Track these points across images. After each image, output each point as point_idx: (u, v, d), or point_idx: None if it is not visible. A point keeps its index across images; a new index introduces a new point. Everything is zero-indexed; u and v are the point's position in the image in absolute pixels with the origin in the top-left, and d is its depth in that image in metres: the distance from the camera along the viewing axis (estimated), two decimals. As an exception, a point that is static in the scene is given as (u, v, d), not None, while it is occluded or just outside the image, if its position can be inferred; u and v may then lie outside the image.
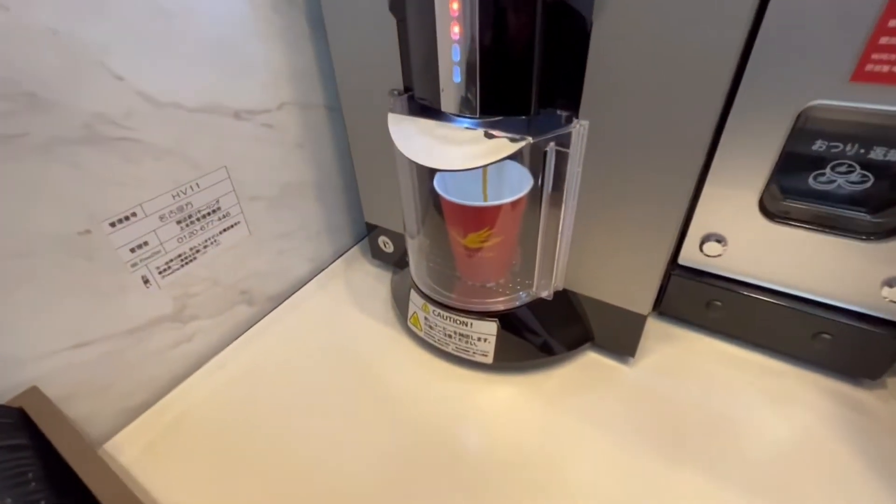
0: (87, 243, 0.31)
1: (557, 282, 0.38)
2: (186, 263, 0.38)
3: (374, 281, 0.52)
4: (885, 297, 0.33)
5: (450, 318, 0.39)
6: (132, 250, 0.34)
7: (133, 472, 0.35)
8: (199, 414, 0.39)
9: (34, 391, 0.30)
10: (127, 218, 0.33)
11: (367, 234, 0.55)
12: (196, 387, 0.41)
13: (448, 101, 0.31)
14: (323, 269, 0.53)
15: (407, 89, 0.37)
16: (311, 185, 0.48)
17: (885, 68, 0.27)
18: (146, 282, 0.36)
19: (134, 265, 0.35)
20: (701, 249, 0.39)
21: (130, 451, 0.36)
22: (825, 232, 0.34)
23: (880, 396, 0.36)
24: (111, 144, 0.31)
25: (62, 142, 0.28)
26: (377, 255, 0.52)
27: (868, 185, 0.32)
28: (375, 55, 0.37)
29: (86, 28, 0.28)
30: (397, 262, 0.51)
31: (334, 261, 0.55)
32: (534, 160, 0.36)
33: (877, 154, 0.31)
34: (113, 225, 0.32)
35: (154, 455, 0.36)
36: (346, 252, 0.56)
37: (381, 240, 0.50)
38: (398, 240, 0.48)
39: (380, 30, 0.35)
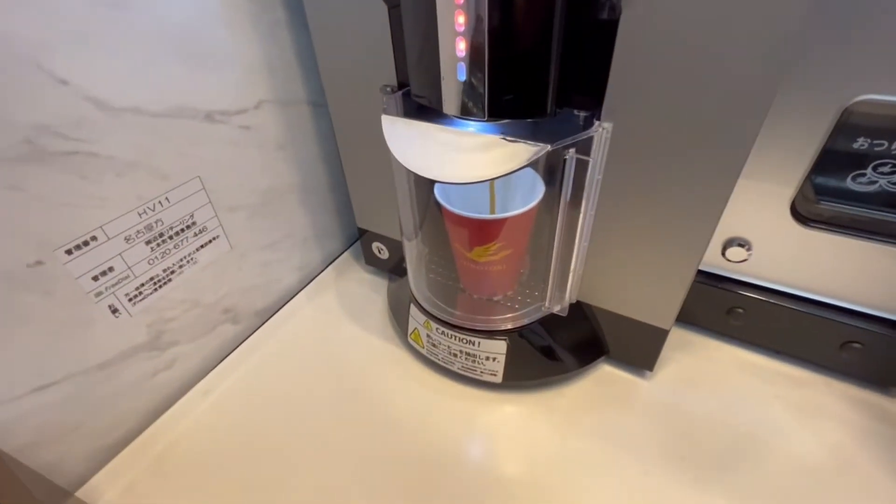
0: (40, 276, 0.27)
1: (571, 295, 0.35)
2: (160, 287, 0.34)
3: (369, 290, 0.48)
4: (925, 306, 0.31)
5: (455, 336, 0.36)
6: (95, 278, 0.30)
7: (113, 518, 0.32)
8: (183, 447, 0.35)
9: (-13, 449, 0.26)
10: (86, 243, 0.29)
11: (358, 238, 0.51)
12: (179, 418, 0.37)
13: (451, 102, 0.27)
14: (313, 279, 0.49)
15: (401, 85, 0.33)
16: (296, 188, 0.43)
17: (949, 59, 0.24)
18: (114, 311, 0.32)
19: (98, 294, 0.31)
20: (724, 255, 0.36)
21: (109, 494, 0.33)
22: (862, 237, 0.31)
23: (911, 406, 0.35)
24: (60, 160, 0.26)
25: (-3, 162, 0.24)
26: (371, 261, 0.49)
27: (913, 186, 0.29)
28: (364, 46, 0.32)
29: (15, 23, 0.23)
30: (393, 268, 0.47)
31: (325, 268, 0.51)
32: (546, 163, 0.32)
33: (926, 153, 0.28)
34: (69, 252, 0.28)
35: (135, 496, 0.33)
36: (337, 258, 0.52)
37: (375, 245, 0.46)
38: (393, 246, 0.45)
39: (369, 17, 0.30)
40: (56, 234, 0.27)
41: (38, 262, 0.27)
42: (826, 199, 0.31)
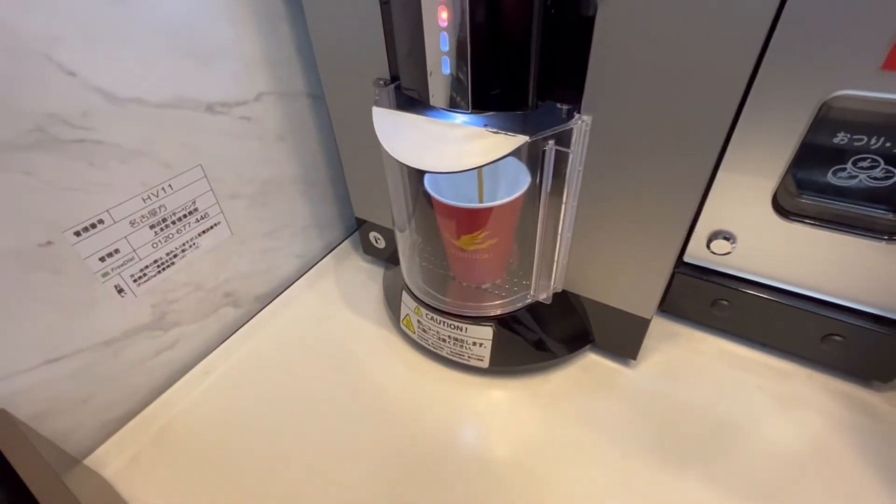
0: (50, 255, 0.29)
1: (556, 284, 0.36)
2: (164, 269, 0.36)
3: (366, 278, 0.50)
4: (904, 300, 0.32)
5: (444, 322, 0.37)
6: (102, 259, 0.32)
7: (117, 485, 0.34)
8: (184, 423, 0.37)
9: (1, 414, 0.28)
10: (93, 226, 0.31)
11: (357, 228, 0.53)
12: (181, 395, 0.39)
13: (437, 95, 0.28)
14: (312, 266, 0.51)
15: (394, 78, 0.34)
16: (296, 179, 0.45)
17: (923, 55, 0.24)
18: (120, 291, 0.34)
19: (105, 274, 0.32)
20: (708, 247, 0.36)
21: (114, 465, 0.35)
22: (842, 231, 0.31)
23: (890, 399, 0.35)
24: (68, 147, 0.28)
25: (9, 148, 0.26)
26: (369, 250, 0.50)
27: (892, 181, 0.29)
28: (359, 41, 0.33)
29: (25, 17, 0.25)
30: (389, 257, 0.49)
31: (324, 256, 0.52)
32: (532, 155, 0.33)
33: (904, 148, 0.28)
34: (78, 234, 0.30)
35: (139, 467, 0.35)
36: (336, 246, 0.54)
37: (373, 235, 0.48)
38: (390, 235, 0.46)
39: (362, 12, 0.32)
40: (65, 217, 0.29)
41: (49, 243, 0.29)
42: (807, 193, 0.32)
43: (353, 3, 0.32)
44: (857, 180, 0.30)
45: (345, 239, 0.55)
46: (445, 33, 0.25)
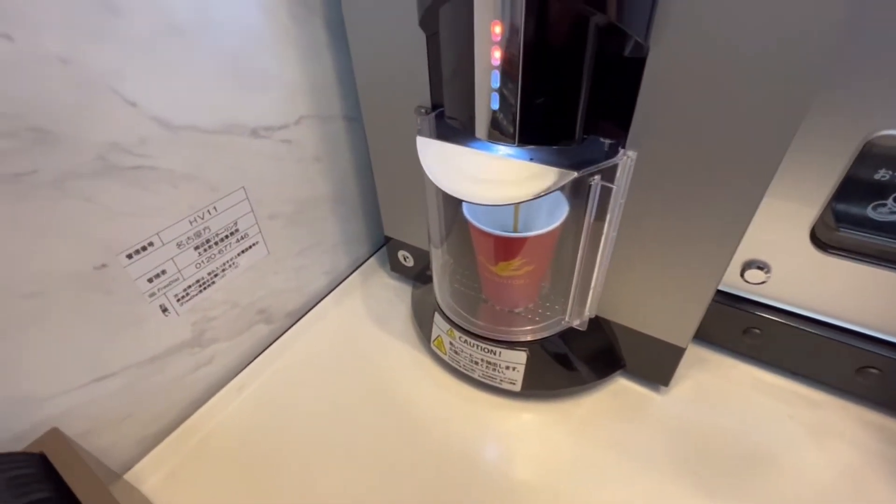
0: (104, 277, 0.30)
1: (591, 311, 0.36)
2: (205, 288, 0.37)
3: (393, 295, 0.50)
4: (943, 335, 0.32)
5: (477, 345, 0.38)
6: (150, 280, 0.33)
7: (155, 500, 0.34)
8: (219, 438, 0.38)
9: (54, 433, 0.29)
10: (144, 248, 0.32)
11: (384, 243, 0.54)
12: (216, 410, 0.40)
13: (483, 127, 0.29)
14: (340, 282, 0.52)
15: (434, 106, 0.34)
16: (329, 198, 0.46)
17: (970, 100, 0.24)
18: (164, 310, 0.34)
19: (152, 295, 0.33)
20: (742, 276, 0.37)
21: (152, 480, 0.36)
22: (881, 265, 0.32)
23: (927, 433, 0.35)
24: (125, 174, 0.29)
25: (73, 176, 0.26)
26: (396, 268, 0.51)
27: (933, 218, 0.30)
28: (401, 69, 0.34)
29: (96, 53, 0.26)
30: (417, 276, 0.49)
31: (351, 272, 0.53)
32: (573, 185, 0.34)
33: (946, 187, 0.28)
34: (130, 256, 0.31)
35: (176, 482, 0.35)
36: (363, 263, 0.54)
37: (401, 254, 0.48)
38: (419, 254, 0.47)
39: (407, 43, 0.32)
40: (119, 240, 0.30)
41: (103, 265, 0.30)
42: (846, 227, 0.32)
43: (398, 33, 0.32)
44: (897, 216, 0.30)
45: (371, 255, 0.55)
46: (497, 71, 0.26)
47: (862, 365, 0.35)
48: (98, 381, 0.32)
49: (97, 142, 0.27)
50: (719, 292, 0.38)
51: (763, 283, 0.36)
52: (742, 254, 0.36)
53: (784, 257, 0.35)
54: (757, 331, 0.38)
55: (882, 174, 0.29)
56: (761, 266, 0.36)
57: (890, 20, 0.25)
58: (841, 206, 0.32)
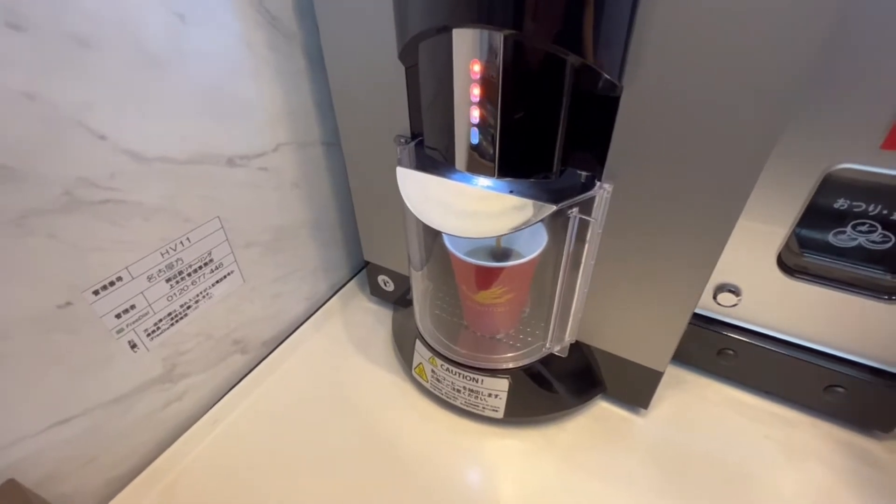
0: (68, 316, 0.28)
1: (570, 337, 0.36)
2: (177, 321, 0.36)
3: (373, 320, 0.50)
4: (902, 355, 0.33)
5: (459, 373, 0.37)
6: (118, 316, 0.31)
7: (122, 549, 0.32)
8: (191, 477, 0.36)
9: (11, 485, 0.27)
10: (112, 283, 0.30)
11: (363, 266, 0.53)
12: (187, 448, 0.38)
13: (462, 160, 0.29)
14: (319, 308, 0.51)
15: (414, 135, 0.35)
16: (307, 223, 0.45)
17: (918, 138, 0.26)
18: (133, 346, 0.33)
19: (120, 331, 0.32)
20: (715, 299, 0.38)
21: (119, 526, 0.34)
22: (843, 290, 0.33)
23: (891, 448, 0.36)
24: (93, 209, 0.28)
25: (37, 213, 0.25)
26: (376, 292, 0.50)
27: (889, 245, 0.31)
28: (380, 97, 0.34)
29: (64, 88, 0.25)
30: (398, 300, 0.49)
31: (330, 297, 0.52)
32: (551, 215, 0.34)
33: (900, 216, 0.30)
34: (96, 293, 0.30)
35: (144, 528, 0.34)
36: (342, 287, 0.54)
37: (381, 278, 0.48)
38: (399, 279, 0.46)
39: (386, 73, 0.32)
40: (85, 277, 0.29)
41: (68, 304, 0.28)
42: (810, 253, 0.34)
43: (377, 63, 0.33)
44: (856, 243, 0.32)
45: (350, 279, 0.55)
46: (477, 108, 0.26)
47: (829, 384, 0.36)
48: (59, 424, 0.30)
49: (64, 177, 0.26)
50: (694, 314, 0.39)
51: (735, 305, 0.37)
52: (715, 278, 0.37)
53: (754, 281, 0.36)
54: (731, 352, 0.39)
55: (841, 203, 0.31)
56: (732, 289, 0.37)
57: (846, 70, 0.26)
58: (805, 233, 0.33)
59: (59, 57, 0.24)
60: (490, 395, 0.37)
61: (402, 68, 0.32)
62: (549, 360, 0.38)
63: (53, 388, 0.29)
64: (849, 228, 0.32)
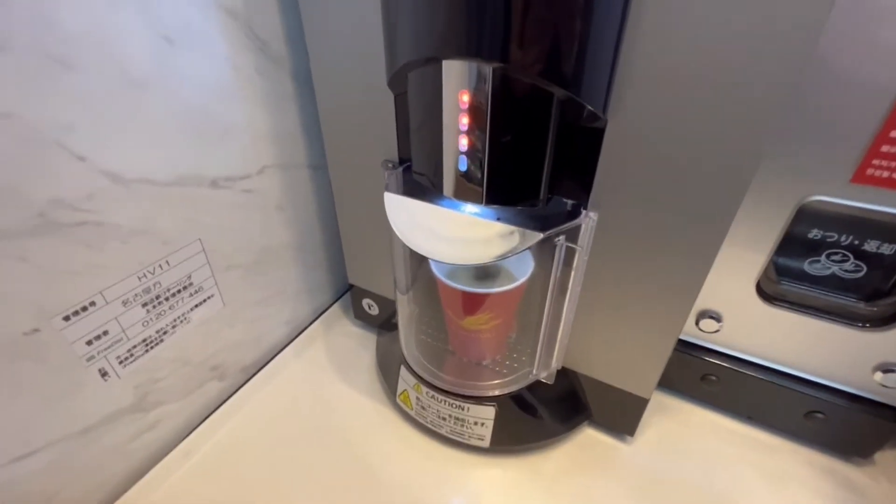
0: (35, 343, 0.27)
1: (557, 363, 0.36)
2: (152, 348, 0.34)
3: (357, 345, 0.49)
4: (877, 382, 0.34)
5: (445, 401, 0.37)
6: (89, 342, 0.30)
7: None
8: (161, 514, 0.34)
9: (-38, 527, 0.25)
10: (84, 308, 0.29)
11: (347, 290, 0.52)
12: (158, 482, 0.36)
13: (450, 187, 0.29)
14: (301, 332, 0.49)
15: (401, 160, 0.35)
16: (291, 246, 0.44)
17: (885, 173, 0.27)
18: (104, 374, 0.31)
19: (90, 358, 0.30)
20: (697, 325, 0.38)
21: (80, 568, 0.31)
22: (819, 317, 0.34)
23: (870, 474, 0.37)
24: (67, 231, 0.27)
25: (6, 236, 0.24)
26: (360, 316, 0.49)
27: (861, 274, 0.32)
28: (369, 122, 0.34)
29: (42, 108, 0.24)
30: (382, 324, 0.48)
31: (313, 321, 0.51)
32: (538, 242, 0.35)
33: (870, 246, 0.31)
34: (67, 318, 0.28)
35: (108, 571, 0.31)
36: (325, 311, 0.53)
37: (366, 302, 0.47)
38: (383, 302, 0.46)
39: (375, 98, 0.33)
40: (55, 302, 0.28)
41: (35, 330, 0.27)
42: (787, 281, 0.34)
43: (366, 89, 0.33)
44: (830, 271, 0.33)
45: (333, 302, 0.54)
46: (465, 136, 0.26)
47: (809, 410, 0.37)
48: (19, 459, 0.28)
49: (38, 198, 0.25)
50: (678, 340, 0.40)
51: (717, 331, 0.38)
52: (697, 304, 0.37)
53: (734, 308, 0.36)
54: (713, 377, 0.40)
55: (815, 233, 0.32)
56: (714, 316, 0.37)
57: (820, 108, 0.27)
58: (782, 262, 0.34)
59: (37, 77, 0.23)
60: (476, 423, 0.37)
61: (391, 94, 0.32)
62: (535, 387, 0.37)
63: (16, 420, 0.28)
64: (823, 258, 0.33)
